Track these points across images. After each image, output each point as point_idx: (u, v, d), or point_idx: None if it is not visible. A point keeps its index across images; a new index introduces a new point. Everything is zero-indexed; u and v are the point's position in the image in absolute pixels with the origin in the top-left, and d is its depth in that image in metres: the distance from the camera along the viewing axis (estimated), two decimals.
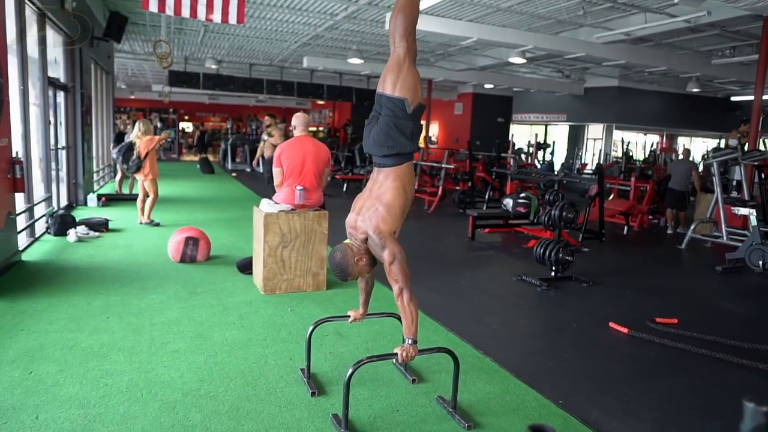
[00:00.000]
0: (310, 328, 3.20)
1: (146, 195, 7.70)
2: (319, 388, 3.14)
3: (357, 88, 19.19)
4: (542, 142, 17.58)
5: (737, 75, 12.49)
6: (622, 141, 17.71)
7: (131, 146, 7.49)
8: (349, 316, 3.22)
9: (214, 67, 14.82)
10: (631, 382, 3.49)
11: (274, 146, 9.17)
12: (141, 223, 7.80)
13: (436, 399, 3.08)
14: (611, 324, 4.51)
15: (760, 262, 6.44)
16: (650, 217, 10.36)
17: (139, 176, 7.64)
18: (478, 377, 3.40)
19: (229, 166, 18.76)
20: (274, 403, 2.97)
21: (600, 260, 7.06)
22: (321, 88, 18.36)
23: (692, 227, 8.18)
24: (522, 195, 8.29)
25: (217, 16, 5.14)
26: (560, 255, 5.70)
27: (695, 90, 14.21)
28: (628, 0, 8.48)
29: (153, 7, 5.03)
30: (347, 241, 2.87)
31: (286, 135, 11.14)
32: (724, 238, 7.71)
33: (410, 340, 2.68)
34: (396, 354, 2.67)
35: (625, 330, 4.37)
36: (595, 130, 19.84)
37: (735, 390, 3.46)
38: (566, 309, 5.00)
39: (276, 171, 5.18)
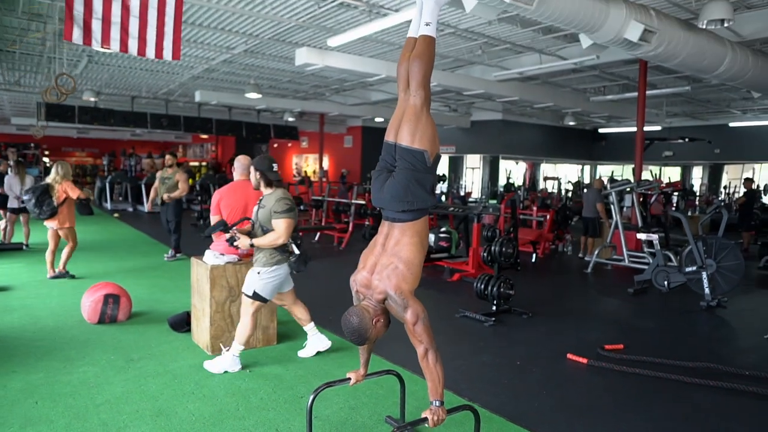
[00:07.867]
0: (311, 397, 2.91)
1: (57, 246, 6.83)
2: None
3: (247, 122, 18.67)
4: (440, 174, 18.16)
5: (609, 110, 13.86)
6: (506, 170, 19.03)
7: (47, 189, 6.63)
8: (349, 379, 3.00)
9: (92, 99, 13.61)
10: (631, 416, 3.57)
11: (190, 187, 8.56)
12: (50, 277, 6.87)
13: None
14: (569, 355, 4.65)
15: (665, 282, 7.06)
16: (550, 243, 11.01)
17: (50, 224, 6.75)
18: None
19: (109, 206, 17.24)
20: None
21: (524, 290, 7.31)
22: (209, 122, 17.65)
23: (596, 252, 8.81)
24: (443, 230, 8.44)
25: (150, 51, 4.67)
26: (502, 289, 5.83)
27: (570, 123, 15.60)
28: (526, 43, 9.08)
29: (77, 38, 4.43)
30: (363, 302, 2.67)
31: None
32: (626, 261, 8.40)
33: (437, 402, 2.54)
34: (426, 419, 2.51)
35: (584, 360, 4.53)
36: (473, 160, 20.88)
37: (725, 415, 3.69)
38: (521, 343, 5.08)
39: (215, 220, 4.78)
